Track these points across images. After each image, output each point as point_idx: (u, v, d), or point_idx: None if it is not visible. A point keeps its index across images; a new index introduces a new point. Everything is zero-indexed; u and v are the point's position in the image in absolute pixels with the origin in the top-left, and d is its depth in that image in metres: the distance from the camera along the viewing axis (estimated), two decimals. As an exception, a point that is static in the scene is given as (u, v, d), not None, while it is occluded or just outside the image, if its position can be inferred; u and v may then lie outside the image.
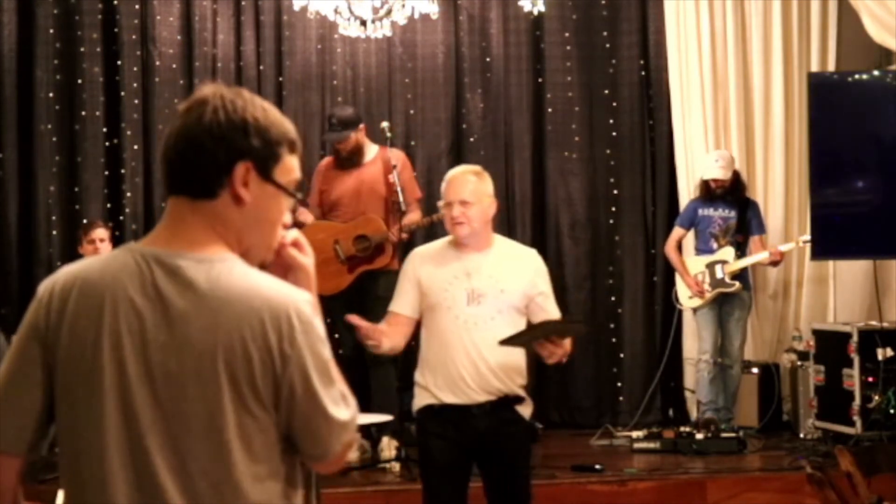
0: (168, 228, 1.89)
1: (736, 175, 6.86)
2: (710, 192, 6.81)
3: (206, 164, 1.86)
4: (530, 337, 3.87)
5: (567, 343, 3.88)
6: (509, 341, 3.83)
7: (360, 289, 6.30)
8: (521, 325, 3.96)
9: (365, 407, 6.27)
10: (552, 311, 4.04)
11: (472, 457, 4.02)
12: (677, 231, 6.95)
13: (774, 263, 6.87)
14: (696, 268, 6.82)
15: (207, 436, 1.80)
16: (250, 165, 1.87)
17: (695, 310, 6.86)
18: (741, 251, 6.80)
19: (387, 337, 3.96)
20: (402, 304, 4.03)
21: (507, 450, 4.00)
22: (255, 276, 1.88)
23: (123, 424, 1.81)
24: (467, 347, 3.92)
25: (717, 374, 6.79)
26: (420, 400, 4.04)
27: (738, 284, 6.72)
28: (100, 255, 1.96)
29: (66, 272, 1.90)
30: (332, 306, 6.50)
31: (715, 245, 6.80)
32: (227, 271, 1.85)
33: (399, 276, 4.13)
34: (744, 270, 6.80)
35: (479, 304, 3.91)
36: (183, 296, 1.82)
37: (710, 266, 6.76)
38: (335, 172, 6.46)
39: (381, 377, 6.22)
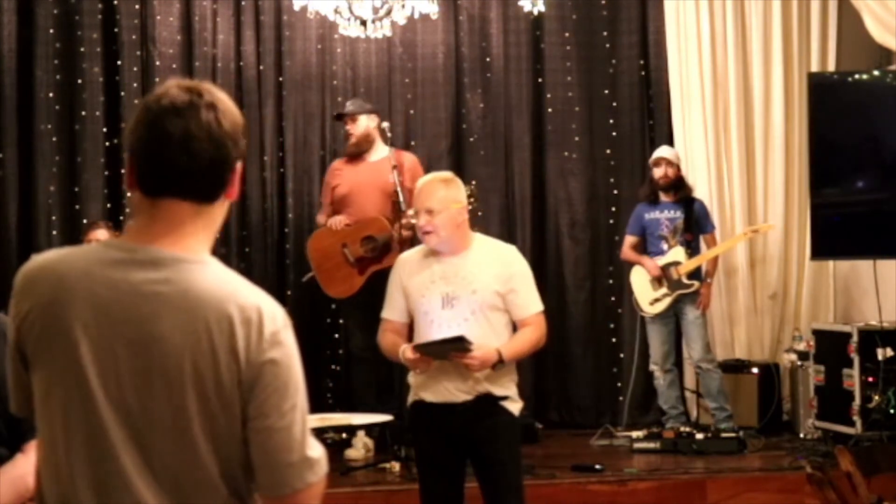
0: (154, 226, 1.85)
1: (680, 175, 6.88)
2: (654, 193, 6.83)
3: (226, 170, 1.86)
4: (431, 352, 3.96)
5: (477, 353, 3.90)
6: (421, 349, 3.96)
7: (372, 289, 6.27)
8: (499, 323, 4.03)
9: (374, 406, 6.31)
10: (523, 307, 4.06)
11: (465, 455, 4.06)
12: (629, 239, 6.95)
13: (704, 307, 6.83)
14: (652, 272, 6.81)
15: (172, 434, 1.79)
16: (240, 165, 1.90)
17: (651, 316, 6.83)
18: (691, 249, 6.81)
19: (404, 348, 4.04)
20: (393, 310, 4.12)
21: (491, 444, 4.02)
22: (231, 279, 1.86)
23: (88, 419, 1.79)
24: None
25: (674, 380, 6.87)
26: (411, 397, 4.15)
27: (696, 284, 6.73)
28: (76, 247, 1.93)
29: (38, 262, 1.87)
30: (346, 307, 6.54)
31: (665, 246, 6.81)
32: (203, 272, 1.84)
33: (388, 284, 4.18)
34: (698, 269, 6.80)
35: (453, 307, 3.98)
36: (156, 293, 1.80)
37: (665, 269, 6.75)
38: (346, 167, 6.57)
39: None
